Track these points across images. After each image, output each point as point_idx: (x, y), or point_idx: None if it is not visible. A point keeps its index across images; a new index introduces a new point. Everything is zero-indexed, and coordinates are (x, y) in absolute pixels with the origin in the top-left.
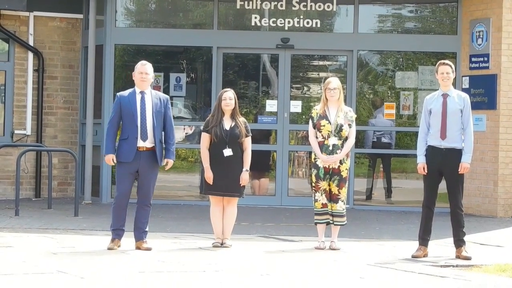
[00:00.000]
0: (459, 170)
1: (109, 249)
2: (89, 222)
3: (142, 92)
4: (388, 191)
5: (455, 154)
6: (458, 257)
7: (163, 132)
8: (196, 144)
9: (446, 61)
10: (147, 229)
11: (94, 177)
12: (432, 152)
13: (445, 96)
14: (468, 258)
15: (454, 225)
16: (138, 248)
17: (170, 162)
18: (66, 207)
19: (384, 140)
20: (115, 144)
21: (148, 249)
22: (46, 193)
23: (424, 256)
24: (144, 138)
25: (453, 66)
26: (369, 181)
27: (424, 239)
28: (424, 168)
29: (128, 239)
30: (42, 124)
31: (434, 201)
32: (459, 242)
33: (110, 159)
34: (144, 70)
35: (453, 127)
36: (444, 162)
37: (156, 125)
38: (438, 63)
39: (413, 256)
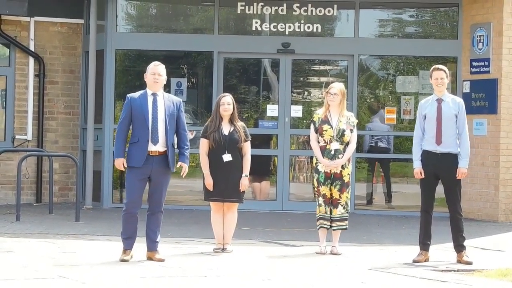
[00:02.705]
0: (456, 175)
1: (121, 260)
2: (90, 227)
3: (154, 94)
4: (388, 196)
5: (451, 159)
6: (459, 261)
7: (175, 137)
8: (196, 149)
9: (440, 66)
10: (159, 239)
11: (95, 182)
12: (427, 156)
13: (439, 101)
14: (469, 263)
15: (454, 230)
16: (150, 258)
17: (185, 166)
18: (67, 212)
19: (381, 144)
20: (125, 147)
21: (161, 260)
22: (47, 198)
23: (425, 261)
24: (155, 142)
25: (447, 71)
26: (368, 186)
27: (424, 244)
28: (420, 173)
29: (137, 244)
30: (43, 129)
31: (432, 205)
32: (459, 247)
33: (120, 164)
34: (157, 71)
35: (448, 132)
36: (440, 166)
37: (169, 128)
38: (432, 68)
39: (414, 261)
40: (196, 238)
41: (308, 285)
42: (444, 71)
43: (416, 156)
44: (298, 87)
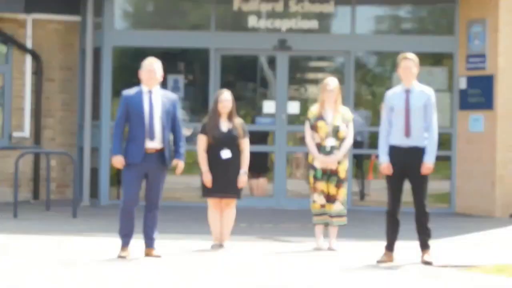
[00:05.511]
0: (421, 170)
1: (119, 257)
2: (88, 224)
3: (150, 91)
4: (361, 193)
5: (419, 153)
6: (421, 261)
7: (171, 134)
8: (194, 145)
9: (408, 55)
10: (156, 236)
11: (93, 179)
12: (394, 152)
13: (407, 91)
14: (429, 263)
15: (419, 228)
16: (147, 255)
17: (181, 164)
18: (65, 209)
19: (357, 139)
20: (122, 145)
21: (158, 256)
22: (45, 195)
23: (389, 262)
24: (152, 139)
25: (416, 60)
26: (363, 181)
27: (390, 246)
28: (389, 168)
29: (134, 241)
30: (40, 127)
31: (399, 207)
32: (423, 246)
33: (118, 161)
34: (152, 68)
35: (417, 125)
36: (408, 162)
37: (165, 125)
38: (400, 56)
39: (378, 262)
40: (193, 235)
41: (305, 281)
42: (413, 60)
43: (383, 150)
44: (295, 84)
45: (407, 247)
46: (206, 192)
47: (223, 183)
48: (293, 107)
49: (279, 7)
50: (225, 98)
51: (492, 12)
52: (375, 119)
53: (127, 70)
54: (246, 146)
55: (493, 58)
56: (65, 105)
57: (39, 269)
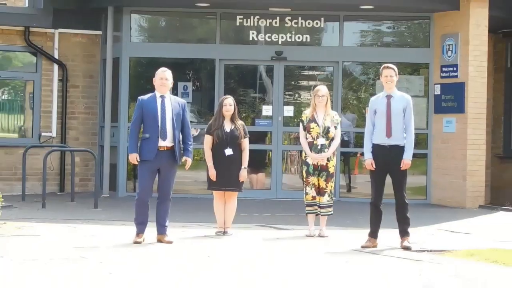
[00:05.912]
0: (401, 166)
1: (135, 243)
2: (107, 214)
3: (162, 96)
4: (348, 186)
5: (398, 151)
6: (401, 246)
7: (181, 133)
8: (201, 144)
9: (390, 65)
10: (167, 224)
11: (111, 173)
12: (377, 150)
13: (389, 97)
14: (408, 248)
15: (399, 217)
16: (159, 241)
17: (189, 160)
18: (87, 200)
19: (344, 138)
20: (138, 143)
21: (170, 242)
22: (69, 188)
23: (373, 247)
24: (164, 138)
25: (396, 69)
26: (349, 176)
27: (373, 232)
28: (372, 164)
29: (148, 229)
30: (66, 127)
31: (381, 198)
32: (403, 233)
33: (134, 158)
34: (164, 76)
35: (397, 126)
36: (389, 158)
37: (176, 126)
38: (382, 66)
39: (362, 247)
40: (200, 223)
41: (298, 263)
42: (393, 69)
43: (367, 148)
44: (289, 90)
45: (388, 234)
46: (211, 185)
47: (226, 178)
48: (288, 111)
49: (276, 22)
50: (228, 103)
51: (463, 27)
52: (360, 121)
53: (142, 78)
54: (246, 145)
55: (464, 68)
56: (87, 109)
57: (64, 253)
